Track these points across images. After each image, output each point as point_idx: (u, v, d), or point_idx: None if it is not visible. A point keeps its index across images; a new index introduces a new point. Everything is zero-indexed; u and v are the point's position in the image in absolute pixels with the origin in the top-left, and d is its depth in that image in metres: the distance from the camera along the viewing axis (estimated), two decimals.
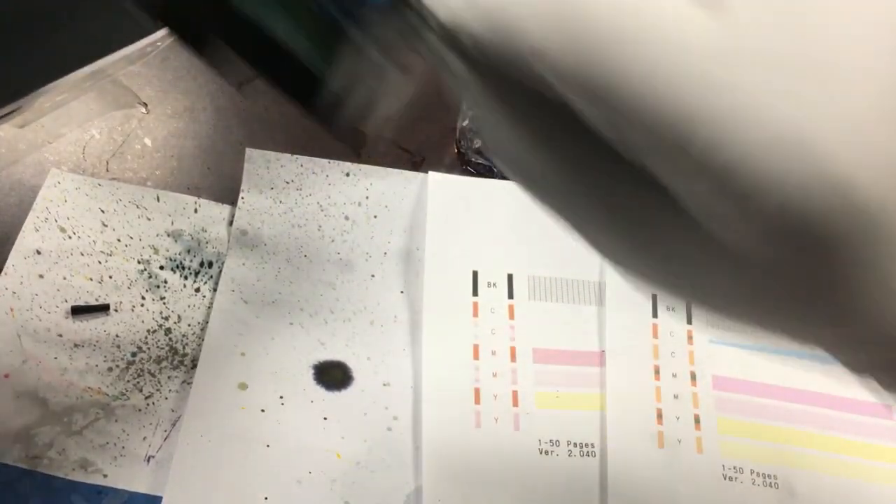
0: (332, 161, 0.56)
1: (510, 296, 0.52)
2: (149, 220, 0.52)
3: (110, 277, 0.49)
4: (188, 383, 0.46)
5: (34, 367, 0.45)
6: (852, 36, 0.16)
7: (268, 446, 0.45)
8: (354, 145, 0.50)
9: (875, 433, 0.51)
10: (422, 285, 0.52)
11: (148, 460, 0.43)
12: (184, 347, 0.48)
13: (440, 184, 0.56)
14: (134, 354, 0.47)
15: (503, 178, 0.59)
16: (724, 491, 0.48)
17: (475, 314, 0.51)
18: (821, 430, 0.51)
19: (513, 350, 0.50)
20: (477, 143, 0.59)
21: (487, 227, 0.55)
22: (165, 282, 0.50)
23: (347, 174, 0.56)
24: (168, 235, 0.51)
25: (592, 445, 0.48)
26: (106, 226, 0.50)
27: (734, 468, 0.48)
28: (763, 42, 0.16)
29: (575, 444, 0.48)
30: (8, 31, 0.33)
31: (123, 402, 0.45)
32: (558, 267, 0.54)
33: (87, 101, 0.56)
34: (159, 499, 0.42)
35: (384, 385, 0.48)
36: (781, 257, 0.17)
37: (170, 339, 0.48)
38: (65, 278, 0.48)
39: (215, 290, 0.50)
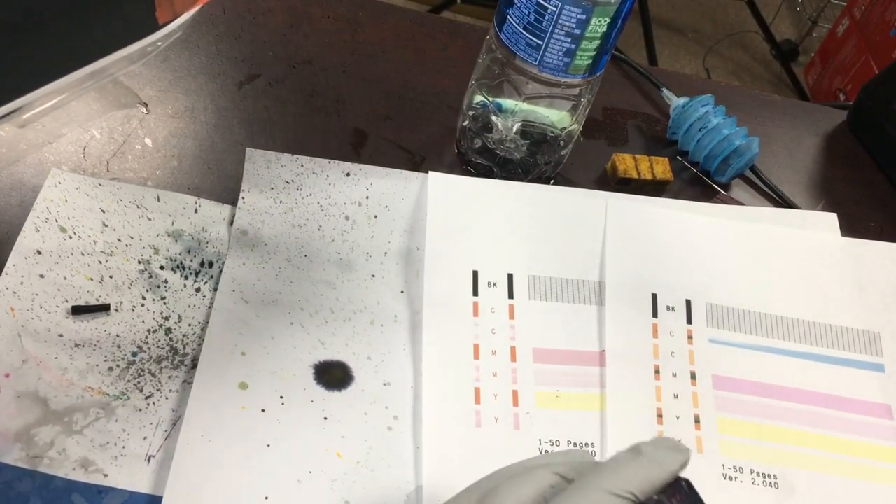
0: (332, 161, 0.56)
1: (510, 295, 0.52)
2: (149, 220, 0.52)
3: (111, 277, 0.49)
4: (188, 383, 0.46)
5: (34, 367, 0.45)
6: None
7: (268, 446, 0.45)
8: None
9: (875, 433, 0.51)
10: (422, 285, 0.52)
11: (148, 460, 0.43)
12: (184, 347, 0.48)
13: (440, 183, 0.56)
14: (134, 354, 0.47)
15: (503, 178, 0.59)
16: (724, 491, 0.48)
17: (475, 314, 0.51)
18: (821, 430, 0.51)
19: (513, 350, 0.50)
20: (477, 143, 0.59)
21: (487, 227, 0.55)
22: (166, 282, 0.50)
23: (348, 174, 0.56)
24: (168, 235, 0.51)
25: (592, 445, 0.48)
26: (106, 226, 0.50)
27: (734, 468, 0.48)
28: None
29: (575, 444, 0.48)
30: (8, 30, 0.33)
31: (124, 402, 0.45)
32: (558, 267, 0.54)
33: (88, 101, 0.56)
34: (159, 498, 0.42)
35: (384, 385, 0.49)
36: None
37: (170, 338, 0.48)
38: (65, 278, 0.48)
39: (216, 289, 0.50)
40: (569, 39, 0.49)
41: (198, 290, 0.50)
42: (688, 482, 0.33)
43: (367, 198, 0.55)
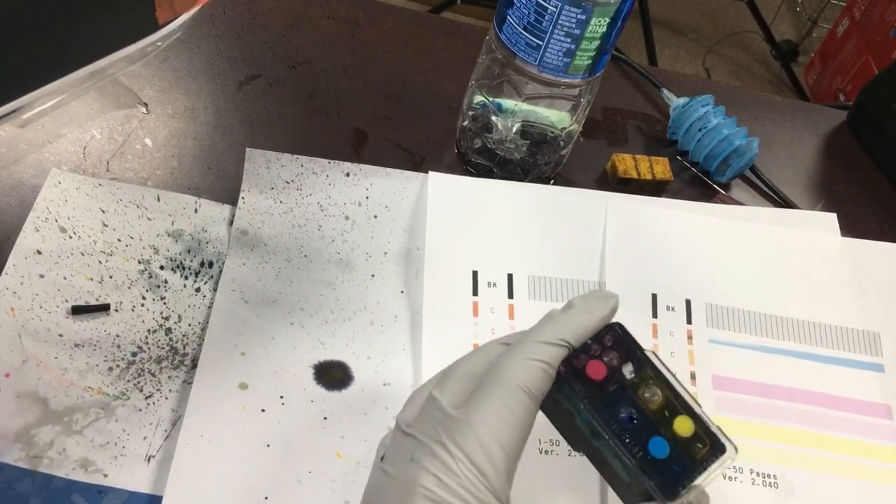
0: (332, 161, 0.56)
1: (510, 295, 0.52)
2: (149, 220, 0.52)
3: (111, 277, 0.49)
4: (188, 383, 0.46)
5: (35, 367, 0.45)
6: None
7: (268, 446, 0.45)
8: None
9: (875, 433, 0.51)
10: (422, 285, 0.52)
11: (148, 460, 0.43)
12: (184, 347, 0.48)
13: (440, 183, 0.56)
14: (134, 354, 0.47)
15: (503, 178, 0.59)
16: (724, 490, 0.48)
17: (475, 314, 0.51)
18: (820, 429, 0.51)
19: None
20: (477, 143, 0.59)
21: (487, 227, 0.55)
22: (166, 282, 0.50)
23: (347, 174, 0.56)
24: (168, 235, 0.51)
25: None
26: (106, 226, 0.50)
27: (734, 468, 0.48)
28: None
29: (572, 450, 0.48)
30: (8, 30, 0.33)
31: (124, 402, 0.45)
32: (558, 267, 0.54)
33: (88, 101, 0.56)
34: (159, 498, 0.42)
35: (384, 385, 0.49)
36: None
37: (170, 338, 0.48)
38: (65, 278, 0.48)
39: (216, 289, 0.50)
40: (569, 40, 0.49)
41: (198, 290, 0.50)
42: (620, 325, 0.37)
43: (367, 198, 0.55)
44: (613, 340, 0.36)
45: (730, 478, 0.48)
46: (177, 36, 0.41)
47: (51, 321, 0.46)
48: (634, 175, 0.61)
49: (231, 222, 0.53)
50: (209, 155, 0.56)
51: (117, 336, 0.47)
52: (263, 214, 0.53)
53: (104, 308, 0.48)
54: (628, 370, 0.36)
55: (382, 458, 0.36)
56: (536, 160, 0.58)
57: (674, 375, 0.36)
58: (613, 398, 0.35)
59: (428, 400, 0.36)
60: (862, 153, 0.71)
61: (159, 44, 0.40)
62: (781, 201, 0.65)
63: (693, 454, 0.35)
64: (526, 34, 0.50)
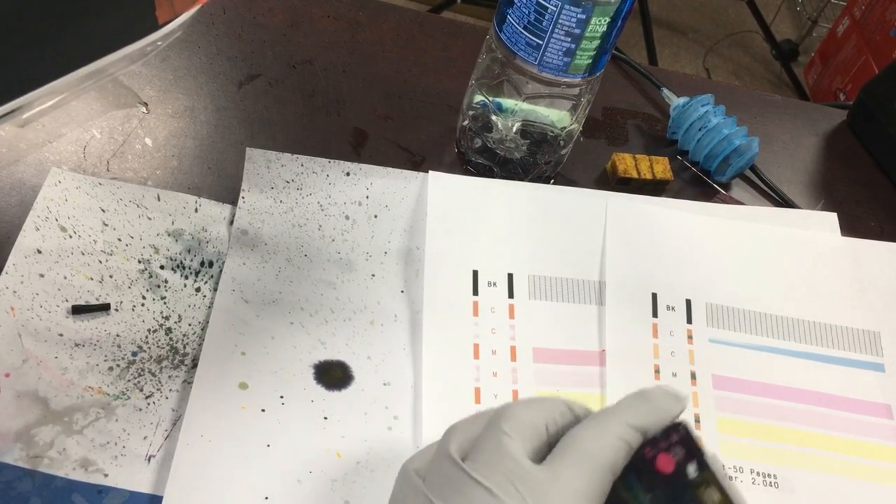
0: (332, 160, 0.56)
1: (510, 295, 0.52)
2: (149, 219, 0.52)
3: (111, 277, 0.49)
4: (189, 383, 0.46)
5: (35, 367, 0.45)
6: None
7: (268, 446, 0.45)
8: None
9: (875, 433, 0.51)
10: (422, 284, 0.52)
11: (148, 460, 0.43)
12: (184, 347, 0.48)
13: (440, 183, 0.56)
14: (134, 354, 0.47)
15: (503, 177, 0.59)
16: None
17: (475, 313, 0.51)
18: (821, 429, 0.51)
19: (513, 349, 0.50)
20: (477, 143, 0.59)
21: (487, 226, 0.55)
22: (166, 281, 0.50)
23: (348, 173, 0.56)
24: (168, 235, 0.51)
25: None
26: (106, 225, 0.50)
27: (734, 468, 0.48)
28: None
29: None
30: (8, 30, 0.33)
31: (124, 402, 0.45)
32: (558, 266, 0.54)
33: (88, 101, 0.56)
34: (160, 498, 0.42)
35: (384, 384, 0.49)
36: None
37: (170, 338, 0.48)
38: (65, 277, 0.48)
39: (216, 289, 0.50)
40: (569, 39, 0.49)
41: (198, 289, 0.50)
42: (685, 425, 0.37)
43: (367, 197, 0.55)
44: (680, 437, 0.36)
45: (730, 478, 0.48)
46: (177, 35, 0.41)
47: (51, 321, 0.46)
48: (634, 175, 0.61)
49: (231, 222, 0.53)
50: (209, 155, 0.56)
51: (117, 336, 0.47)
52: (263, 214, 0.53)
53: (104, 308, 0.48)
54: (692, 469, 0.36)
55: (425, 482, 0.35)
56: (536, 160, 0.58)
57: (729, 481, 0.36)
58: (677, 495, 0.35)
59: (493, 439, 0.35)
60: (862, 153, 0.71)
61: (159, 43, 0.40)
62: (781, 201, 0.65)
63: None
64: (526, 33, 0.50)
